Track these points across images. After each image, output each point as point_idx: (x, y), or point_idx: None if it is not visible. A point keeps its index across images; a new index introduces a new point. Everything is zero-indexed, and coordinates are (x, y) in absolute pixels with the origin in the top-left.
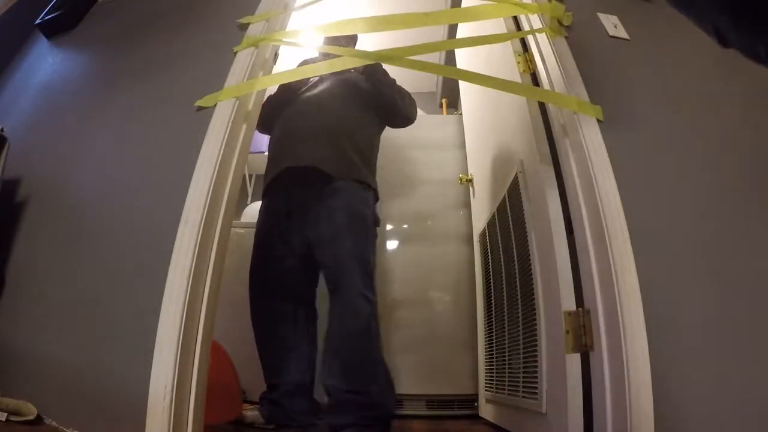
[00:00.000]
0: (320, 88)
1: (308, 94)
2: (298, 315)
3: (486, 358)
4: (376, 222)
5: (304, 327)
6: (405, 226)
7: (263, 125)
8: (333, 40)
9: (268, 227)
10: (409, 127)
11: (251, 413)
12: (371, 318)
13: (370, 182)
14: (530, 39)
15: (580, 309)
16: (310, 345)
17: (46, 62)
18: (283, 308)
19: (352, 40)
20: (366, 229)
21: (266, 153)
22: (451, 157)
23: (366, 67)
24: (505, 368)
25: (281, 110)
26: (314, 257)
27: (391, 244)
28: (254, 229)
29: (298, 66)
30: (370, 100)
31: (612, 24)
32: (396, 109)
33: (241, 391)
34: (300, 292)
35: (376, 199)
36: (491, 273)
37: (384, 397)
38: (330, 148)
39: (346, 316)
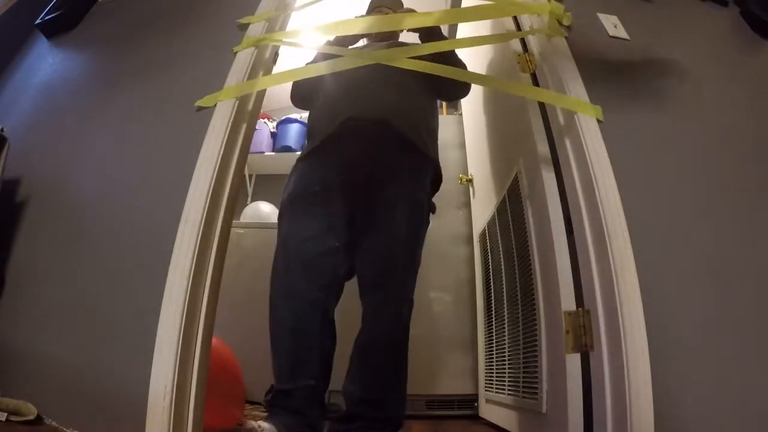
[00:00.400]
0: (373, 48)
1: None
2: (329, 308)
3: (486, 358)
4: (432, 209)
5: (331, 322)
6: None
7: (300, 97)
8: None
9: (306, 193)
10: None
11: (267, 425)
12: (408, 324)
13: (434, 157)
14: (530, 39)
15: (580, 309)
16: (331, 342)
17: (46, 62)
18: (317, 298)
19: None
20: (422, 220)
21: (266, 153)
22: (451, 157)
23: (423, 29)
24: (505, 368)
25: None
26: (358, 241)
27: None
28: (254, 229)
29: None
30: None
31: (612, 24)
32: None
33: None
34: (340, 282)
35: (438, 181)
36: (491, 273)
37: (400, 411)
38: (397, 107)
39: (380, 317)
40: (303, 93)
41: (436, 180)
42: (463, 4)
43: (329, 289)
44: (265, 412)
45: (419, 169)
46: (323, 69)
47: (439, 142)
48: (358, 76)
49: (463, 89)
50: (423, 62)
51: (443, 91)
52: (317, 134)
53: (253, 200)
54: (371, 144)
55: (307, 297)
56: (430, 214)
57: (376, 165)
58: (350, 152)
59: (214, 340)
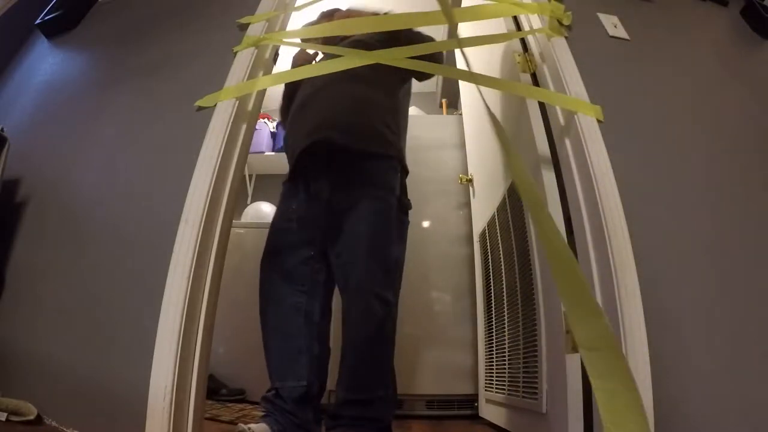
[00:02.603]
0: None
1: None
2: (313, 312)
3: (486, 358)
4: (404, 207)
5: (318, 326)
6: None
7: (283, 117)
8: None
9: (285, 211)
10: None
11: (257, 426)
12: (385, 322)
13: (393, 155)
14: (530, 39)
15: None
16: (322, 347)
17: (46, 62)
18: (298, 302)
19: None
20: (387, 219)
21: (266, 153)
22: (451, 157)
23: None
24: (505, 368)
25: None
26: (329, 251)
27: None
28: (254, 229)
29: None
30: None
31: (612, 24)
32: (414, 40)
33: (241, 391)
34: (319, 287)
35: (405, 173)
36: (491, 273)
37: (383, 412)
38: (346, 116)
39: (354, 320)
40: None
41: (402, 173)
42: (463, 4)
43: (309, 294)
44: (263, 411)
45: (381, 171)
46: (323, 69)
47: (439, 142)
48: (315, 88)
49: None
50: (422, 62)
51: (411, 73)
52: (288, 161)
53: (253, 200)
54: (332, 171)
55: (288, 300)
56: (407, 211)
57: (338, 187)
58: (314, 184)
59: None
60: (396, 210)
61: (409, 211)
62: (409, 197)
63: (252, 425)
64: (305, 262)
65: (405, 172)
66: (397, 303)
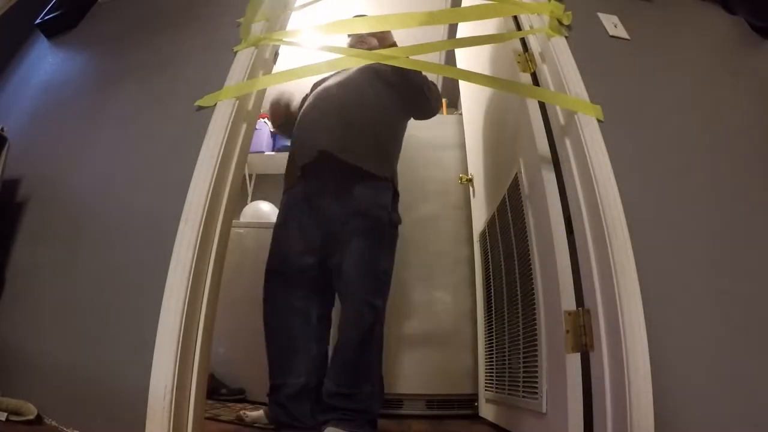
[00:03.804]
0: (342, 75)
1: (328, 82)
2: (311, 315)
3: (486, 358)
4: (395, 223)
5: (315, 328)
6: (405, 225)
7: (282, 127)
8: (358, 41)
9: (287, 221)
10: (408, 127)
11: (254, 413)
12: (374, 326)
13: (388, 177)
14: (530, 39)
15: (580, 309)
16: (320, 347)
17: (46, 62)
18: (296, 306)
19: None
20: (379, 233)
21: (266, 153)
22: (451, 157)
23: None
24: (505, 368)
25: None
26: (329, 262)
27: None
28: (254, 229)
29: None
30: (395, 86)
31: (612, 24)
32: (422, 95)
33: (241, 390)
34: (317, 292)
35: (396, 195)
36: (491, 273)
37: (370, 404)
38: (347, 136)
39: (347, 323)
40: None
41: (395, 194)
42: (463, 4)
43: (308, 299)
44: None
45: (377, 190)
46: (323, 69)
47: (439, 142)
48: (324, 104)
49: (427, 110)
50: (423, 62)
51: (411, 109)
52: (290, 172)
53: (253, 200)
54: (330, 183)
55: (288, 304)
56: (397, 226)
57: (337, 201)
58: (315, 198)
59: None
60: (387, 225)
61: (399, 226)
62: (407, 197)
63: (249, 412)
64: (306, 269)
65: (397, 193)
66: (384, 307)
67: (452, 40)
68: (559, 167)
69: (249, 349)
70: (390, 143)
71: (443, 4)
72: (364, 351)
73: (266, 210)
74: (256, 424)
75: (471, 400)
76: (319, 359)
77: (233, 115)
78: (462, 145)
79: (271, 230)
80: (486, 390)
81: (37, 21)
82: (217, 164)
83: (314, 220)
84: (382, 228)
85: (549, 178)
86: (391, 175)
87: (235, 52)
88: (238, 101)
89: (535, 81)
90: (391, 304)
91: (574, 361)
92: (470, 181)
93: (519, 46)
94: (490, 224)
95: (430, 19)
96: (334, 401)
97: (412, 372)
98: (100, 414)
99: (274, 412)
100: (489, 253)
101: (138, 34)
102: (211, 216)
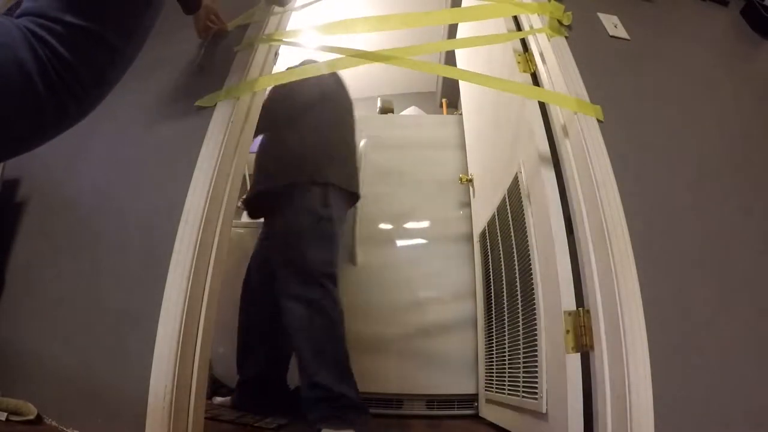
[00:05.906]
0: None
1: None
2: (266, 318)
3: (486, 358)
4: (321, 216)
5: (270, 329)
6: (405, 226)
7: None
8: None
9: (260, 237)
10: (408, 127)
11: (221, 398)
12: (313, 317)
13: (305, 179)
14: (530, 39)
15: (580, 309)
16: (274, 344)
17: None
18: (256, 311)
19: None
20: (300, 229)
21: None
22: (451, 157)
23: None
24: (505, 368)
25: None
26: None
27: (391, 244)
28: (254, 229)
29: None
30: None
31: (612, 24)
32: None
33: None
34: (269, 298)
35: (320, 185)
36: (491, 273)
37: (345, 389)
38: (275, 160)
39: (285, 319)
40: None
41: (315, 186)
42: (463, 4)
43: (265, 304)
44: None
45: (294, 195)
46: (323, 69)
47: (439, 142)
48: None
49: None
50: (423, 62)
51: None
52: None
53: None
54: (270, 206)
55: (252, 308)
56: (325, 216)
57: (271, 217)
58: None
59: None
60: (309, 221)
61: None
62: (407, 197)
63: (217, 397)
64: (265, 278)
65: (319, 184)
66: (327, 296)
67: (452, 41)
68: (559, 167)
69: None
70: (314, 141)
71: (443, 4)
72: (311, 341)
73: None
74: (224, 407)
75: (471, 400)
76: (272, 356)
77: (233, 115)
78: (462, 145)
79: None
80: (486, 390)
81: None
82: (218, 164)
83: (264, 234)
84: (304, 222)
85: (549, 178)
86: (307, 175)
87: (235, 53)
88: (238, 101)
89: (535, 81)
90: (391, 304)
91: (574, 361)
92: (470, 181)
93: (519, 46)
94: (490, 224)
95: (430, 19)
96: (311, 392)
97: (412, 372)
98: (100, 414)
99: (238, 399)
100: (489, 253)
101: None
102: (212, 216)
